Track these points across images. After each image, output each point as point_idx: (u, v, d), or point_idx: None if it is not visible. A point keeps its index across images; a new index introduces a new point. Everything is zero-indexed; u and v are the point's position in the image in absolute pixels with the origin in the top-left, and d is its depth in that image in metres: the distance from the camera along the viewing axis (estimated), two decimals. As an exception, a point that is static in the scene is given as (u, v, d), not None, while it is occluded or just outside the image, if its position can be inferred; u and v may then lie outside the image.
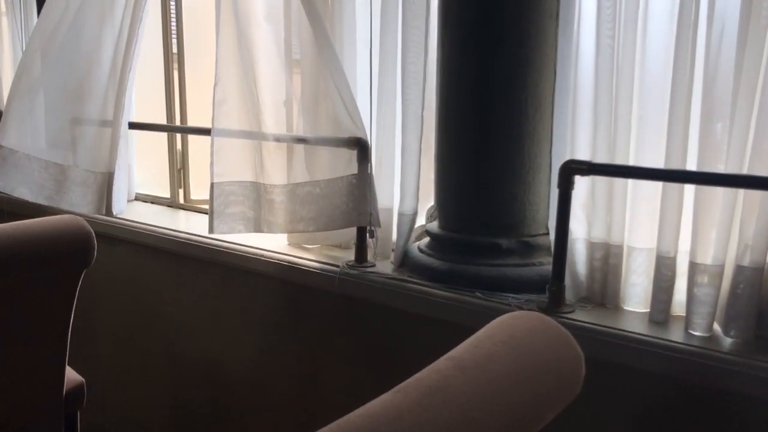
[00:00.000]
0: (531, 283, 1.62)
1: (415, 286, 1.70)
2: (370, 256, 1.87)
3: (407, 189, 1.78)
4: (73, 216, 1.53)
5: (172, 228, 2.28)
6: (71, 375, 1.66)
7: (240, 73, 1.86)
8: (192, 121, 2.61)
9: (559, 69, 1.57)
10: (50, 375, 1.57)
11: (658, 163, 1.45)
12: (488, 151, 1.64)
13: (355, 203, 1.80)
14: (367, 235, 1.82)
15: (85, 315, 2.70)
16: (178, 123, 2.63)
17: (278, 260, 1.94)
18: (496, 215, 1.67)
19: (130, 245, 2.40)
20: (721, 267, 1.37)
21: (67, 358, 1.60)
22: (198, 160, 2.69)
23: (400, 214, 1.80)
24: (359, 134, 1.79)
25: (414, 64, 1.74)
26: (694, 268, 1.39)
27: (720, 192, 1.36)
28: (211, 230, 1.87)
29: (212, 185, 1.83)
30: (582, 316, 1.50)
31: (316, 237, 2.00)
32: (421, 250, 1.79)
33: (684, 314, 1.43)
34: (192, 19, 2.61)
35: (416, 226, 1.84)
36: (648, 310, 1.49)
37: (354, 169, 1.80)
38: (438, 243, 1.77)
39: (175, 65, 2.58)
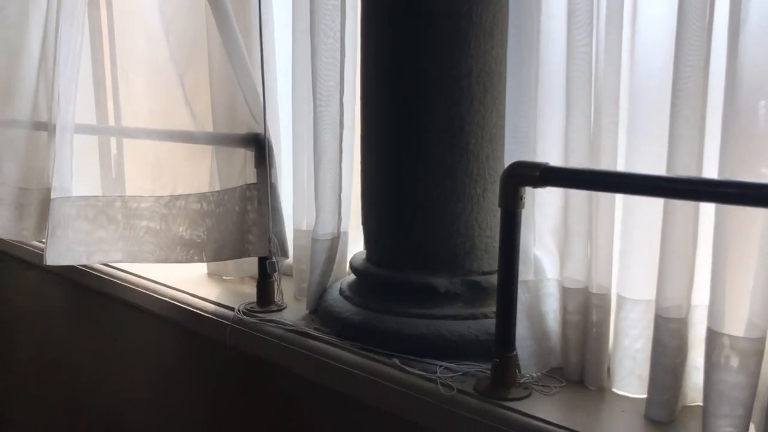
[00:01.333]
0: (476, 345, 1.09)
1: (317, 344, 1.19)
2: (279, 296, 1.38)
3: (323, 204, 1.29)
4: None
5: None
6: None
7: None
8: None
9: (512, 30, 1.04)
10: None
11: (659, 168, 0.91)
12: (418, 150, 1.13)
13: (252, 224, 1.31)
14: (268, 267, 1.33)
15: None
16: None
17: (173, 299, 1.48)
18: (431, 243, 1.15)
19: (40, 271, 1.99)
20: (762, 341, 0.82)
21: None
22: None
23: (314, 240, 1.30)
24: (258, 129, 1.31)
25: (326, 34, 1.24)
26: (716, 340, 0.84)
27: (760, 215, 0.81)
28: (45, 259, 1.42)
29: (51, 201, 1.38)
30: (542, 407, 0.96)
31: (228, 266, 1.53)
32: (341, 291, 1.29)
33: (701, 408, 0.88)
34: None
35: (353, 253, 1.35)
36: (646, 395, 0.95)
37: (251, 177, 1.32)
38: (358, 281, 1.27)
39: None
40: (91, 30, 1.64)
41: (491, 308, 1.12)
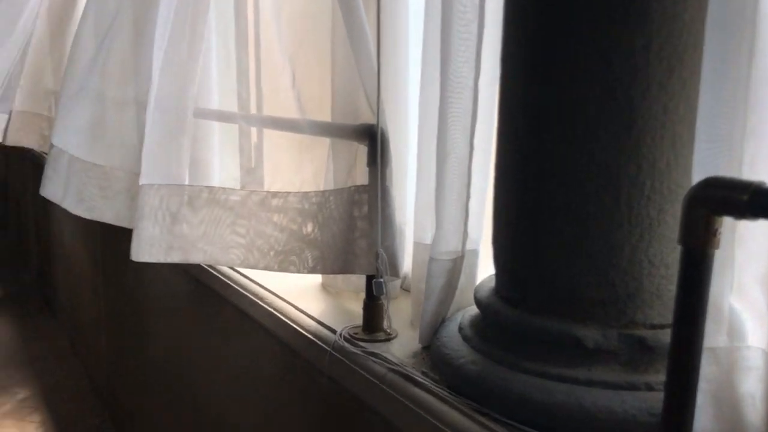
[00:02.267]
0: (632, 428, 0.78)
1: (421, 393, 0.94)
2: (387, 322, 1.13)
3: (446, 215, 1.02)
4: None
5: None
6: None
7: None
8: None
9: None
10: None
11: None
12: (566, 154, 0.83)
13: (359, 234, 1.08)
14: (374, 288, 1.09)
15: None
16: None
17: (277, 310, 1.29)
18: (579, 279, 0.85)
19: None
20: None
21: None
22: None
23: (431, 260, 1.04)
24: (373, 120, 1.07)
25: (463, 4, 0.97)
26: None
27: None
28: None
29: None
30: None
31: (338, 278, 1.32)
32: (460, 328, 1.02)
33: None
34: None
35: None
36: None
37: (361, 177, 1.08)
38: (482, 318, 0.99)
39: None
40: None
41: (659, 377, 0.80)
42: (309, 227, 1.13)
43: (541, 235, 0.88)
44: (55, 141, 1.93)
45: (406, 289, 1.31)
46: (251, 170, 1.25)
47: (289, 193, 1.14)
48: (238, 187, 1.19)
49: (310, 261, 1.15)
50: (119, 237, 2.42)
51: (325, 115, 1.17)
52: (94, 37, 1.91)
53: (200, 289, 1.70)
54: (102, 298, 2.77)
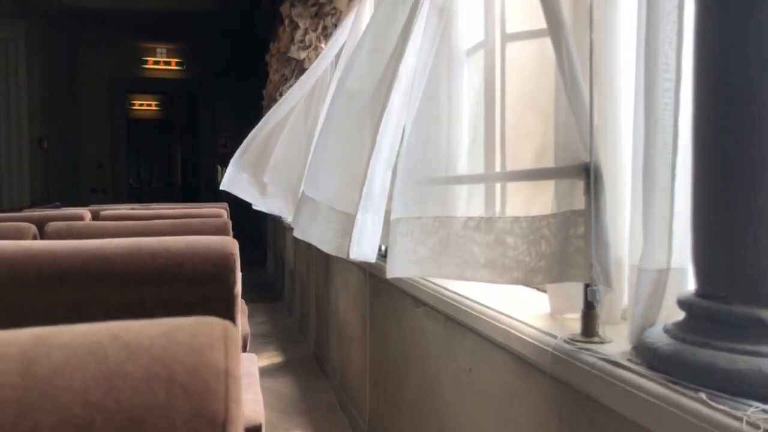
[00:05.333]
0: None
1: (621, 371, 1.11)
2: (601, 328, 1.32)
3: (652, 234, 1.21)
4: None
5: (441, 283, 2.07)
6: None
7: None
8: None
9: None
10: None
11: None
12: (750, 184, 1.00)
13: (575, 251, 1.31)
14: (589, 295, 1.29)
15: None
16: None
17: (513, 329, 1.54)
18: (764, 273, 0.99)
19: (426, 307, 2.27)
20: None
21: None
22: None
23: (640, 270, 1.23)
24: (585, 158, 1.31)
25: (663, 41, 1.21)
26: None
27: None
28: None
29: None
30: None
31: (564, 307, 1.53)
32: (665, 328, 1.18)
33: None
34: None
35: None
36: None
37: (577, 202, 1.32)
38: (685, 317, 1.14)
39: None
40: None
41: (839, 352, 0.90)
42: (533, 246, 1.39)
43: (731, 238, 1.04)
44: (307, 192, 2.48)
45: (624, 319, 1.47)
46: (491, 202, 1.55)
47: (518, 217, 1.42)
48: (476, 215, 1.50)
49: (532, 274, 1.39)
50: (384, 297, 2.85)
51: (549, 158, 1.44)
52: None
53: (449, 324, 1.99)
54: (368, 352, 3.21)
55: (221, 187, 3.85)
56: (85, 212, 3.11)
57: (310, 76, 3.44)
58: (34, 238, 2.07)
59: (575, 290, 1.44)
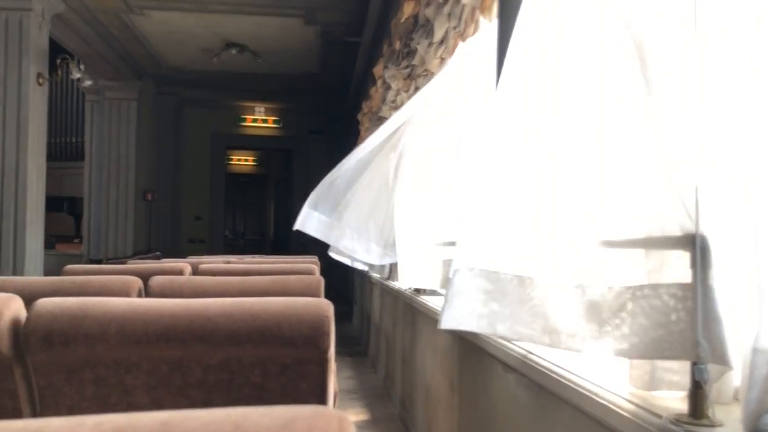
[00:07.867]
0: None
1: (737, 460, 1.04)
2: (710, 410, 1.24)
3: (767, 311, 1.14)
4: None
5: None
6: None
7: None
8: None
9: None
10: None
11: None
12: None
13: (680, 324, 1.24)
14: (695, 373, 1.22)
15: None
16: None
17: (612, 403, 1.47)
18: None
19: (516, 374, 2.20)
20: None
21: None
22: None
23: (754, 350, 1.15)
24: (692, 228, 1.26)
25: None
26: None
27: None
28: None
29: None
30: None
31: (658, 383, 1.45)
32: (786, 413, 1.10)
33: None
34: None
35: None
36: None
37: (681, 275, 1.26)
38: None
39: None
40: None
41: None
42: (625, 318, 1.33)
43: None
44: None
45: (737, 399, 1.38)
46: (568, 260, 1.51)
47: (612, 287, 1.37)
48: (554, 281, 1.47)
49: (625, 346, 1.33)
50: (473, 361, 2.80)
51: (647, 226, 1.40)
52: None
53: (542, 394, 1.93)
54: (455, 418, 3.14)
55: (294, 227, 4.17)
56: (186, 266, 3.24)
57: (385, 129, 3.68)
58: (139, 292, 2.17)
59: (657, 367, 1.38)
